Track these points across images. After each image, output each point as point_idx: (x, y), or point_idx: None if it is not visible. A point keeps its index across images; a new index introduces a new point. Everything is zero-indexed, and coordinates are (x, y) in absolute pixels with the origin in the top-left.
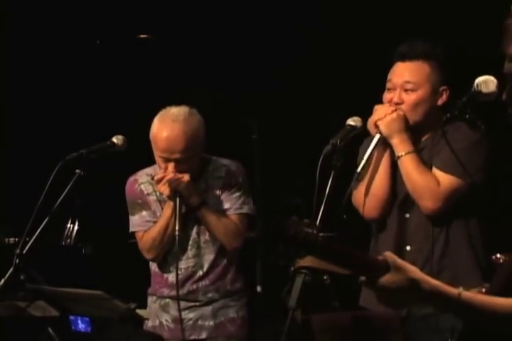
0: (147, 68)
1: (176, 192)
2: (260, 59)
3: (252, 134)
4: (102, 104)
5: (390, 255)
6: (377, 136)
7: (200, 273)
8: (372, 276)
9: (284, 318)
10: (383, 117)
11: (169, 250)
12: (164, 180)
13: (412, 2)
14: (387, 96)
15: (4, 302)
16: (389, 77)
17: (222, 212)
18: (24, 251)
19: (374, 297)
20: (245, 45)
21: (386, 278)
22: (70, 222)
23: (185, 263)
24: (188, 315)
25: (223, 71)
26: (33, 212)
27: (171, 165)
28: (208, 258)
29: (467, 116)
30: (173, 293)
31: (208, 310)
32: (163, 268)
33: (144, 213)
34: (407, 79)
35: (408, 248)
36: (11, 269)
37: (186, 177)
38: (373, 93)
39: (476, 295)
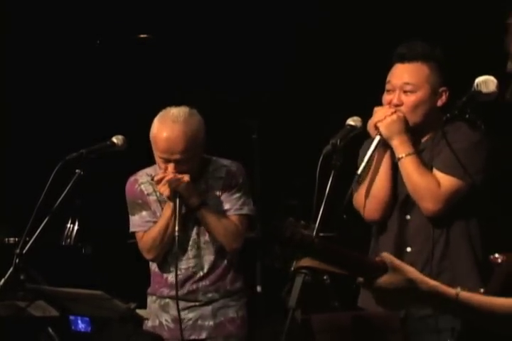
0: (147, 68)
1: (176, 192)
2: (260, 59)
3: (252, 134)
4: (102, 104)
5: (387, 256)
6: (377, 138)
7: (201, 273)
8: (369, 277)
9: (284, 318)
10: (383, 119)
11: (169, 250)
12: (164, 181)
13: (412, 3)
14: (386, 97)
15: (4, 302)
16: (388, 78)
17: (222, 213)
18: (24, 251)
19: (372, 298)
20: (245, 45)
21: (384, 279)
22: (70, 221)
23: (185, 264)
24: (188, 315)
25: (223, 71)
26: (33, 212)
27: (170, 166)
28: (208, 258)
29: (467, 116)
30: (173, 292)
31: (207, 310)
32: (163, 268)
33: (144, 213)
34: (406, 81)
35: (408, 249)
36: (11, 269)
37: (186, 177)
38: (373, 93)
39: (474, 295)
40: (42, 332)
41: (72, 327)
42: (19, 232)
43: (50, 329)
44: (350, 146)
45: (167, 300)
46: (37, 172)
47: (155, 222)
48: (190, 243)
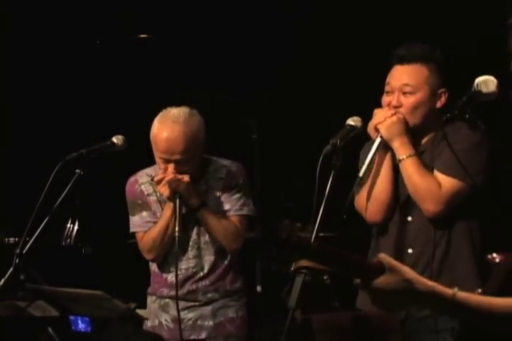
0: (147, 68)
1: (176, 193)
2: (260, 59)
3: (252, 134)
4: (102, 104)
5: (384, 257)
6: (377, 140)
7: (201, 274)
8: (367, 278)
9: (284, 318)
10: (383, 121)
11: (169, 250)
12: (164, 181)
13: (412, 4)
14: (385, 99)
15: (4, 302)
16: (387, 80)
17: (222, 214)
18: (24, 251)
19: (369, 299)
20: (245, 45)
21: (381, 280)
22: (70, 221)
23: (185, 264)
24: (188, 315)
25: (223, 71)
26: (33, 212)
27: (171, 166)
28: (208, 259)
29: (467, 116)
30: (173, 292)
31: (207, 310)
32: (163, 268)
33: (144, 213)
34: (405, 82)
35: (410, 251)
36: (11, 269)
37: (186, 178)
38: (373, 93)
39: (471, 296)
40: (42, 332)
41: (72, 327)
42: (19, 232)
43: (50, 329)
44: (350, 146)
45: (167, 300)
46: (37, 172)
47: (155, 223)
48: (191, 243)
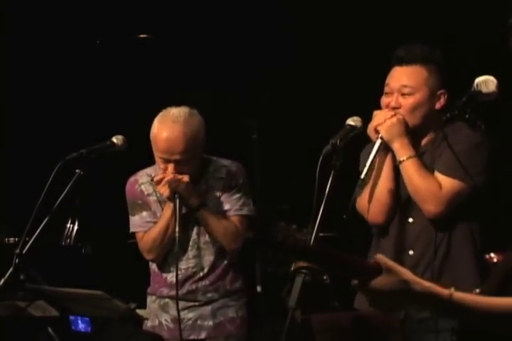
0: (147, 68)
1: (176, 193)
2: (260, 59)
3: (252, 134)
4: (102, 104)
5: (381, 258)
6: (378, 142)
7: (201, 273)
8: (364, 279)
9: (284, 318)
10: (383, 122)
11: (169, 250)
12: (164, 181)
13: (412, 4)
14: (384, 100)
15: (4, 302)
16: (387, 81)
17: (222, 214)
18: (24, 251)
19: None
20: (245, 45)
21: (378, 281)
22: (69, 221)
23: (185, 264)
24: (188, 315)
25: (223, 71)
26: (33, 212)
27: (170, 166)
28: (208, 259)
29: (467, 116)
30: (173, 292)
31: (207, 309)
32: (163, 268)
33: (145, 214)
34: (404, 83)
35: (411, 252)
36: (11, 269)
37: (186, 178)
38: (373, 93)
39: (468, 296)
40: (42, 332)
41: (72, 327)
42: (19, 232)
43: (50, 330)
44: (350, 146)
45: (167, 300)
46: (37, 172)
47: (155, 223)
48: (190, 243)
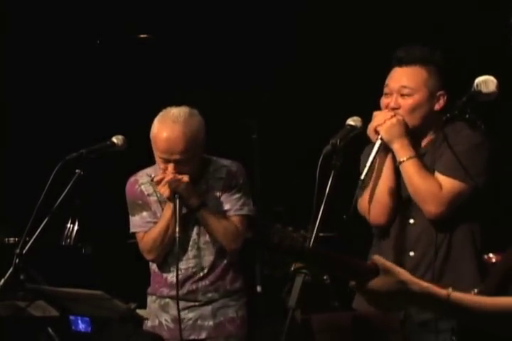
0: (147, 68)
1: (176, 193)
2: (260, 59)
3: (252, 134)
4: (102, 104)
5: (378, 259)
6: (378, 142)
7: (201, 273)
8: (361, 280)
9: (284, 318)
10: (383, 123)
11: (170, 251)
12: (164, 181)
13: (412, 5)
14: (384, 101)
15: (4, 302)
16: (386, 82)
17: (221, 214)
18: (24, 251)
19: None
20: (245, 45)
21: (375, 282)
22: (69, 221)
23: (185, 264)
24: (188, 315)
25: (223, 71)
26: (33, 212)
27: (170, 166)
28: (208, 259)
29: (467, 116)
30: (173, 292)
31: (207, 309)
32: (163, 268)
33: (145, 214)
34: (403, 84)
35: (411, 254)
36: (11, 269)
37: (185, 178)
38: (373, 93)
39: (466, 296)
40: (42, 332)
41: (73, 327)
42: (19, 232)
43: (50, 330)
44: (350, 146)
45: (167, 300)
46: (37, 172)
47: (155, 223)
48: (191, 243)
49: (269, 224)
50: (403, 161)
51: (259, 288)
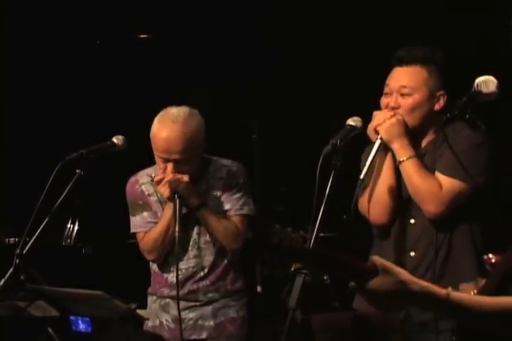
0: (147, 68)
1: (176, 193)
2: (260, 59)
3: (252, 134)
4: (102, 104)
5: (377, 259)
6: (377, 142)
7: (201, 273)
8: (361, 281)
9: (284, 318)
10: (382, 122)
11: (170, 250)
12: (164, 181)
13: (413, 5)
14: (384, 100)
15: (4, 302)
16: (387, 81)
17: (222, 213)
18: (24, 251)
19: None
20: (245, 45)
21: (375, 282)
22: (70, 222)
23: (185, 264)
24: (189, 315)
25: (223, 71)
26: (33, 212)
27: (169, 166)
28: (209, 258)
29: (467, 117)
30: (174, 292)
31: (208, 309)
32: (164, 268)
33: (145, 214)
34: (403, 84)
35: (412, 254)
36: (11, 269)
37: (185, 177)
38: (373, 93)
39: (465, 296)
40: (42, 332)
41: (73, 328)
42: (19, 232)
43: (50, 330)
44: (350, 147)
45: (167, 300)
46: (37, 173)
47: (156, 223)
48: (191, 243)
49: (269, 225)
50: (403, 161)
51: (259, 288)
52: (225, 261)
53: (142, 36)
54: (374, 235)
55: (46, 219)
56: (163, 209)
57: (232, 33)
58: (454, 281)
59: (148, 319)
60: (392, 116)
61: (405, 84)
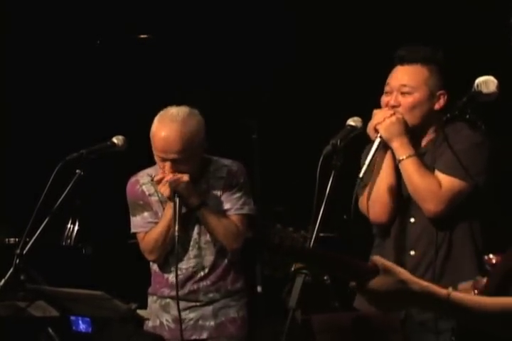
0: (147, 68)
1: (176, 192)
2: (260, 59)
3: (252, 134)
4: (102, 104)
5: (378, 258)
6: (377, 140)
7: (202, 273)
8: (361, 280)
9: (284, 318)
10: (382, 121)
11: (170, 250)
12: (164, 181)
13: (413, 4)
14: (384, 99)
15: (4, 302)
16: (387, 80)
17: (222, 213)
18: (24, 251)
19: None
20: (245, 45)
21: (375, 282)
22: (70, 222)
23: (186, 264)
24: (189, 315)
25: (223, 71)
26: (33, 212)
27: (167, 165)
28: (209, 258)
29: (467, 117)
30: (174, 292)
31: (208, 310)
32: (164, 268)
33: (146, 214)
34: (403, 83)
35: (412, 253)
36: (11, 269)
37: (185, 177)
38: (374, 93)
39: (466, 296)
40: (42, 333)
41: (73, 328)
42: (19, 232)
43: (50, 330)
44: (350, 147)
45: (168, 300)
46: (37, 173)
47: (156, 223)
48: (191, 243)
49: (270, 225)
50: (402, 159)
51: (259, 289)
52: (226, 261)
53: (142, 36)
54: (374, 234)
55: (46, 220)
56: (163, 209)
57: (232, 33)
58: (455, 280)
59: (148, 319)
60: (392, 115)
61: (406, 82)
